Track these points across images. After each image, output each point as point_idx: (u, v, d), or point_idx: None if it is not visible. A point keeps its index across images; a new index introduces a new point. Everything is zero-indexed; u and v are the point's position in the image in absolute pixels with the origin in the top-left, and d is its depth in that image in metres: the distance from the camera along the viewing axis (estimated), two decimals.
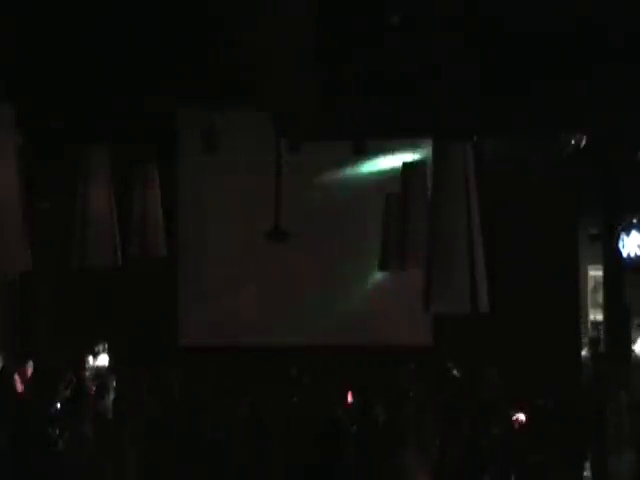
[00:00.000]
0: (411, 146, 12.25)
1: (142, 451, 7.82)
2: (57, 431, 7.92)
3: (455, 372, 10.79)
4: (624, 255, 12.02)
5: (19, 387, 9.59)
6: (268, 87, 7.56)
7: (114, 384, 9.73)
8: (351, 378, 10.32)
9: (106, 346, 11.46)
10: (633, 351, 12.46)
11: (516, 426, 8.75)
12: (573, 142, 11.58)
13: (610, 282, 12.38)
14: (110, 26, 7.70)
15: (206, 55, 8.10)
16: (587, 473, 8.79)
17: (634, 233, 11.99)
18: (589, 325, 13.99)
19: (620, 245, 12.01)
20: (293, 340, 12.63)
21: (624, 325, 12.38)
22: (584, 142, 11.36)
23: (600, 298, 13.22)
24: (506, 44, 7.85)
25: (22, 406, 8.44)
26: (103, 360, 11.54)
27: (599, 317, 13.47)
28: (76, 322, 12.26)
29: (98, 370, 11.01)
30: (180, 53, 8.32)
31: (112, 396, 9.16)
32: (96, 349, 11.31)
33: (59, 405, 8.69)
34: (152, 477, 7.70)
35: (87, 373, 10.88)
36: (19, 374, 9.94)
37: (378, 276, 12.17)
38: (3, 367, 10.24)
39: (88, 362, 11.14)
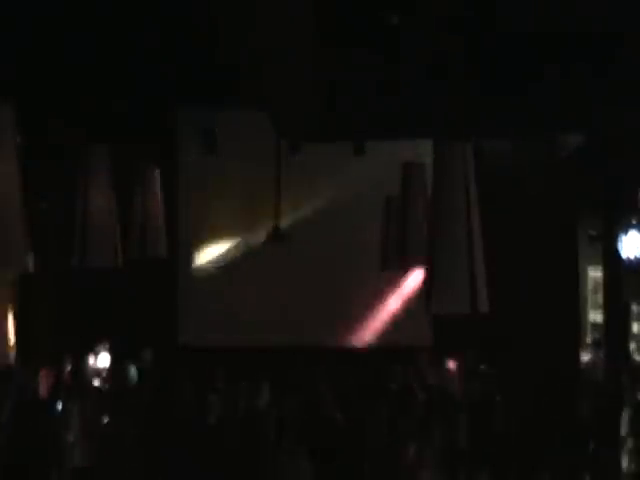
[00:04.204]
0: (411, 146, 12.26)
1: (143, 448, 7.84)
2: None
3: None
4: (624, 256, 12.00)
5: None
6: (268, 87, 7.56)
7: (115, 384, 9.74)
8: (350, 378, 10.32)
9: (106, 346, 11.45)
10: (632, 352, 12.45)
11: None
12: (573, 142, 11.57)
13: (610, 283, 12.37)
14: (110, 26, 7.69)
15: (206, 55, 8.10)
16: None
17: (634, 234, 11.97)
18: (589, 326, 13.97)
19: (620, 246, 11.99)
20: (293, 340, 12.63)
21: (624, 326, 12.36)
22: (584, 142, 11.34)
23: (600, 299, 13.20)
24: (506, 44, 7.85)
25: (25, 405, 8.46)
26: (104, 360, 11.52)
27: (599, 318, 13.45)
28: (76, 322, 12.26)
29: (98, 370, 11.01)
30: (180, 53, 8.31)
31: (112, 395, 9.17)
32: (96, 349, 11.29)
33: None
34: (153, 474, 7.71)
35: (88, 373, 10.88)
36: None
37: (378, 276, 12.17)
38: (6, 367, 10.25)
39: (88, 362, 11.13)
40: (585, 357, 12.65)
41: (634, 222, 11.90)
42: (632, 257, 11.84)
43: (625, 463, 8.22)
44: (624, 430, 8.63)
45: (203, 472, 7.79)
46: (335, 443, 7.79)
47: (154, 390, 9.76)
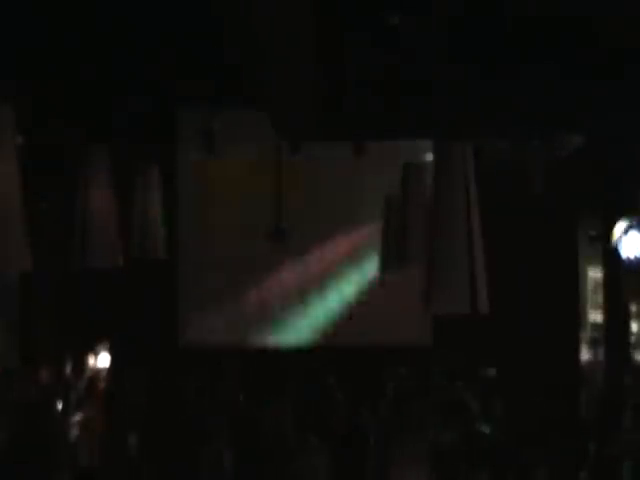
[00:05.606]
0: (411, 146, 12.25)
1: (144, 449, 7.84)
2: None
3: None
4: (623, 256, 12.00)
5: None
6: (268, 87, 7.56)
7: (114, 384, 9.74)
8: (350, 378, 10.33)
9: (107, 346, 11.45)
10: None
11: None
12: (573, 142, 11.56)
13: (610, 283, 12.37)
14: (110, 26, 7.69)
15: (206, 55, 8.09)
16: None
17: (634, 234, 11.96)
18: (589, 326, 13.98)
19: (619, 246, 11.98)
20: (293, 340, 12.63)
21: (624, 326, 12.36)
22: (584, 142, 11.34)
23: (600, 299, 13.20)
24: (505, 43, 7.85)
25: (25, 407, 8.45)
26: (104, 360, 11.53)
27: (599, 318, 13.45)
28: (77, 322, 12.26)
29: (99, 370, 11.01)
30: (180, 53, 8.31)
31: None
32: (96, 349, 11.29)
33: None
34: (153, 474, 7.72)
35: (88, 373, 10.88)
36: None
37: (378, 276, 12.17)
38: (6, 368, 10.25)
39: (88, 363, 11.13)
40: (585, 357, 12.66)
41: (634, 222, 11.90)
42: (632, 257, 11.84)
43: (625, 463, 8.22)
44: (624, 430, 8.64)
45: (205, 473, 7.79)
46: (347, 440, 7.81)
47: (154, 390, 9.76)
